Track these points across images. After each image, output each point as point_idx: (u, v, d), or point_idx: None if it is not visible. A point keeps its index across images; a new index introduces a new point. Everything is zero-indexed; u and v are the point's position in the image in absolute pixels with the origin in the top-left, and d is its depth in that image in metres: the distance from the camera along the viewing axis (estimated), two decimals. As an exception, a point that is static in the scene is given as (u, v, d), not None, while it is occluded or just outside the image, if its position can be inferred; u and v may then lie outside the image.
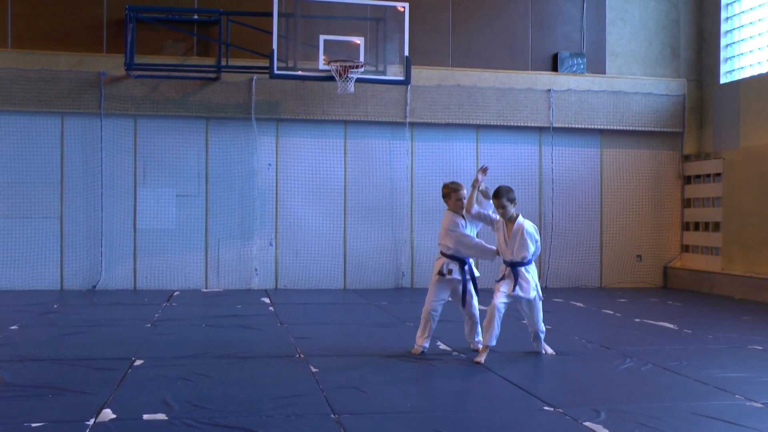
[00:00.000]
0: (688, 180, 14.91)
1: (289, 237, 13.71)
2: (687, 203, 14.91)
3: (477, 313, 7.59)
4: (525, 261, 7.21)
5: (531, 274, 7.26)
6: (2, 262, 12.89)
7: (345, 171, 13.92)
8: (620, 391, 6.14)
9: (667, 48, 15.02)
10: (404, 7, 12.43)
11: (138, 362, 6.96)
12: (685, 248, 14.87)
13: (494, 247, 7.42)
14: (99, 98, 13.05)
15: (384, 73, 12.72)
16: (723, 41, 14.53)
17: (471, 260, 7.60)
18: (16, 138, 12.98)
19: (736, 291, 13.03)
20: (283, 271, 13.72)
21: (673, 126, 14.82)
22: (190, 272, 13.42)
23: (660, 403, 5.73)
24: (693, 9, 15.06)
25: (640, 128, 14.66)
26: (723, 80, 14.53)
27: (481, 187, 7.37)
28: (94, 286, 13.02)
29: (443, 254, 7.52)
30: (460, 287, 7.50)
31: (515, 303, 7.35)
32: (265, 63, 12.62)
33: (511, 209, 7.21)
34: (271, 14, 12.12)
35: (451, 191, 7.50)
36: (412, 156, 14.07)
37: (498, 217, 7.33)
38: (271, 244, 13.64)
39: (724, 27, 14.52)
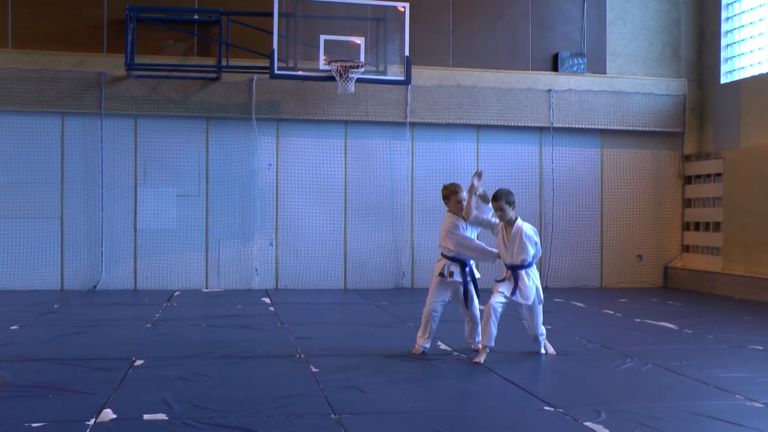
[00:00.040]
0: (688, 180, 14.91)
1: (289, 237, 13.71)
2: (687, 203, 14.90)
3: (478, 314, 7.60)
4: (525, 264, 7.20)
5: (532, 277, 7.24)
6: (3, 262, 12.89)
7: (345, 171, 13.92)
8: (621, 391, 6.14)
9: (668, 48, 15.01)
10: (405, 7, 12.43)
11: (138, 362, 6.96)
12: (686, 248, 14.87)
13: (495, 250, 7.42)
14: (99, 98, 13.05)
15: (384, 73, 12.72)
16: (723, 41, 14.52)
17: (472, 262, 7.60)
18: (16, 138, 12.99)
19: (737, 291, 13.03)
20: (283, 271, 13.72)
21: (673, 126, 14.82)
22: (191, 272, 13.43)
23: (660, 403, 5.73)
24: (693, 9, 15.06)
25: (640, 128, 14.66)
26: (723, 80, 14.52)
27: (479, 192, 7.31)
28: (95, 286, 13.02)
29: (444, 256, 7.53)
30: (461, 289, 7.50)
31: (515, 304, 7.34)
32: (265, 63, 12.62)
33: (510, 212, 7.19)
34: (271, 14, 12.13)
35: (450, 193, 7.50)
36: (412, 156, 14.07)
37: (498, 221, 7.32)
38: (271, 244, 13.64)
39: (724, 27, 14.51)
